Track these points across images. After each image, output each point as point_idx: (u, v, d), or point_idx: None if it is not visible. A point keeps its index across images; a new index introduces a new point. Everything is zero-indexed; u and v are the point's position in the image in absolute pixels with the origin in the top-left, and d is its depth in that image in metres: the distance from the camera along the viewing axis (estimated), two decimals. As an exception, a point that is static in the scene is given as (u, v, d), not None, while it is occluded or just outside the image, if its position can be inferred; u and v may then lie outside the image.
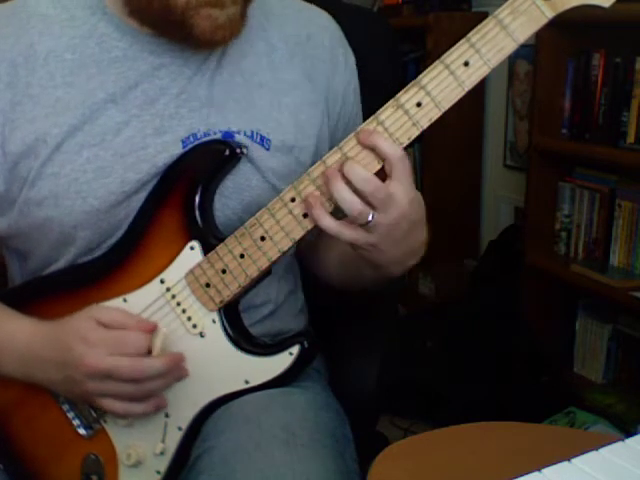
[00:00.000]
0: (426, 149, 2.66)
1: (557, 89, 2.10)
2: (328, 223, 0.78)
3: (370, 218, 0.77)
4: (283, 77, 0.92)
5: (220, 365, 0.87)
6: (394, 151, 0.76)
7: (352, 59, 1.00)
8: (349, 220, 0.78)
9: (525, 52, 2.36)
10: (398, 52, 1.65)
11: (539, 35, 2.05)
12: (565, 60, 2.08)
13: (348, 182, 0.77)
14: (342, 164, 0.77)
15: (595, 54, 2.00)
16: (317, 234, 0.98)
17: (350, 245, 0.81)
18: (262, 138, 0.90)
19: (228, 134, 0.88)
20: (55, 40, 0.86)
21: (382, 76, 1.15)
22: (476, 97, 2.61)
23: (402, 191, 0.77)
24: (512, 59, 2.47)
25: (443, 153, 2.63)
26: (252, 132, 0.89)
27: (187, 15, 0.80)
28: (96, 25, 0.87)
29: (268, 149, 0.90)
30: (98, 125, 0.85)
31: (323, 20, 0.99)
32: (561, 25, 2.05)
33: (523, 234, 2.23)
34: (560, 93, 2.11)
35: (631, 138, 1.90)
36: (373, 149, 0.77)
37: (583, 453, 0.67)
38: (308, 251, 1.02)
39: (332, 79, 0.96)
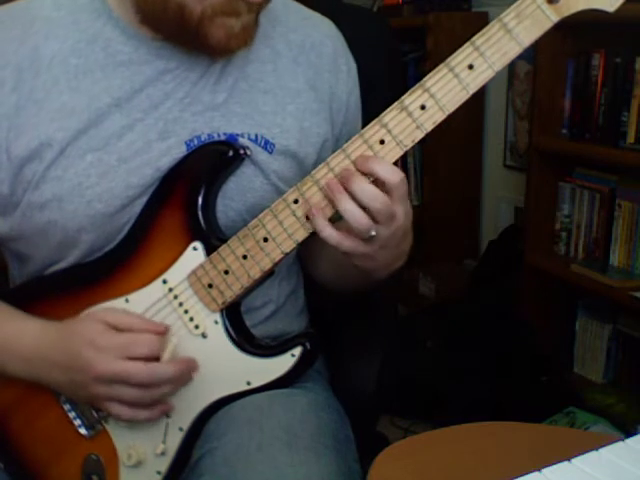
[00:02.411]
0: (426, 149, 2.66)
1: (557, 89, 2.10)
2: (329, 234, 0.78)
3: (374, 233, 0.77)
4: (287, 84, 0.92)
5: (222, 366, 0.87)
6: (393, 176, 0.76)
7: (354, 67, 1.00)
8: (350, 231, 0.78)
9: (525, 52, 2.33)
10: (398, 52, 1.66)
11: (539, 35, 2.05)
12: (565, 60, 2.08)
13: (353, 195, 0.77)
14: (347, 176, 0.77)
15: (595, 54, 2.00)
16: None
17: (344, 254, 0.81)
18: (266, 142, 0.90)
19: (232, 137, 0.88)
20: (60, 44, 0.86)
21: (382, 76, 1.15)
22: (476, 97, 2.57)
23: (402, 209, 0.78)
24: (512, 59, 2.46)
25: (443, 153, 2.63)
26: (256, 135, 0.89)
27: (202, 24, 0.80)
28: (101, 29, 0.86)
29: (271, 152, 0.90)
30: (103, 129, 0.85)
31: (326, 28, 0.99)
32: (561, 25, 2.03)
33: (523, 234, 2.23)
34: (560, 93, 2.11)
35: (631, 138, 1.90)
36: (372, 175, 0.77)
37: (583, 453, 0.67)
38: (302, 250, 1.02)
39: (335, 88, 0.96)
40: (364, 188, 0.76)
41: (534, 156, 2.15)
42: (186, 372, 0.86)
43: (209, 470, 0.82)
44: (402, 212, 0.78)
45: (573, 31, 2.02)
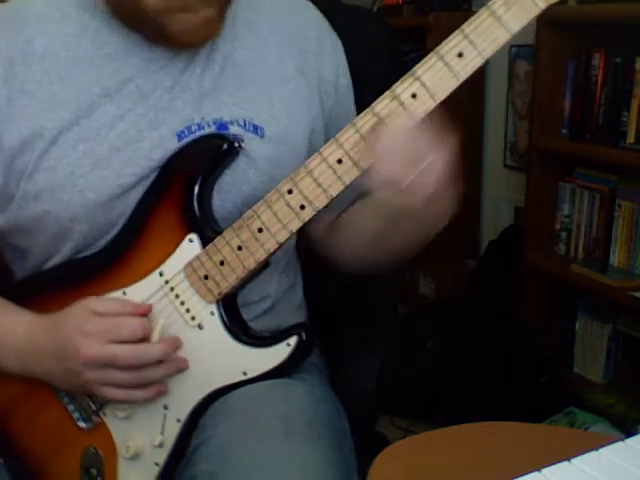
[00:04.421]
0: (426, 149, 2.66)
1: (557, 89, 2.10)
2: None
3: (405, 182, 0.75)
4: (275, 70, 0.93)
5: (218, 357, 0.88)
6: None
7: (340, 47, 1.00)
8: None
9: (525, 52, 2.36)
10: (398, 52, 1.65)
11: (539, 35, 2.06)
12: (565, 60, 2.08)
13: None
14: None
15: (595, 54, 2.00)
16: (345, 211, 0.97)
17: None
18: (255, 127, 0.90)
19: (222, 125, 0.89)
20: (50, 38, 0.87)
21: (382, 76, 1.15)
22: (476, 97, 2.61)
23: (432, 150, 0.76)
24: (512, 59, 2.47)
25: (443, 153, 2.63)
26: (245, 121, 0.90)
27: (161, 18, 0.81)
28: (88, 22, 0.88)
29: (262, 137, 0.91)
30: (94, 120, 0.86)
31: (309, 12, 0.99)
32: (561, 25, 2.05)
33: (523, 234, 2.23)
34: (560, 93, 2.11)
35: (631, 138, 1.90)
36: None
37: (583, 453, 0.67)
38: (328, 231, 0.99)
39: (322, 71, 0.96)
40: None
41: (534, 156, 2.15)
42: (173, 350, 0.87)
43: (204, 459, 0.82)
44: (437, 161, 0.76)
45: (573, 31, 2.02)
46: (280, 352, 0.86)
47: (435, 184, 0.77)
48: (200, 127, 0.88)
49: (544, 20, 2.00)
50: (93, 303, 0.86)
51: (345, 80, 1.00)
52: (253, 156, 0.90)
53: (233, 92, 0.90)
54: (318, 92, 0.96)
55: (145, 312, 0.87)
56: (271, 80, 0.92)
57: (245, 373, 0.87)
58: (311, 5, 1.00)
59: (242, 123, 0.90)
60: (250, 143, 0.90)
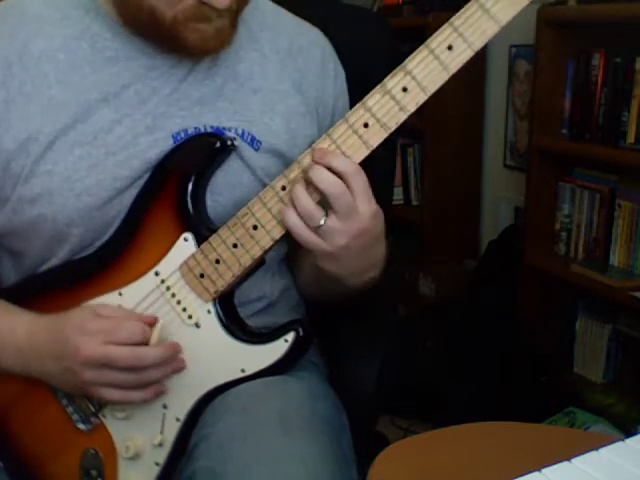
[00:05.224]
0: (426, 149, 2.66)
1: (557, 89, 2.11)
2: (294, 222, 0.80)
3: (322, 222, 0.79)
4: (275, 86, 0.94)
5: (216, 355, 0.88)
6: (347, 167, 0.78)
7: (342, 74, 1.01)
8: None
9: (525, 52, 2.36)
10: (398, 52, 1.65)
11: (539, 35, 2.05)
12: (565, 60, 2.08)
13: (311, 183, 0.79)
14: (307, 167, 0.80)
15: (595, 54, 2.00)
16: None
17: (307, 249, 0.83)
18: (252, 138, 0.91)
19: (219, 130, 0.90)
20: (48, 40, 0.87)
21: (382, 76, 1.15)
22: (476, 97, 2.61)
23: (366, 208, 0.79)
24: (512, 59, 2.47)
25: (443, 153, 2.63)
26: (243, 131, 0.90)
27: (176, 28, 0.82)
28: (89, 25, 0.88)
29: (257, 150, 0.91)
30: (90, 124, 0.86)
31: (314, 35, 1.00)
32: (561, 25, 2.05)
33: (523, 234, 2.23)
34: (560, 93, 2.11)
35: (631, 138, 1.90)
36: (329, 168, 0.79)
37: (583, 453, 0.67)
38: (289, 261, 1.03)
39: (322, 92, 0.97)
40: (321, 174, 0.78)
41: (534, 156, 2.15)
42: (172, 355, 0.87)
43: (204, 455, 0.83)
44: (366, 211, 0.79)
45: (573, 31, 2.02)
46: (278, 348, 0.86)
47: (356, 231, 0.79)
48: (197, 130, 0.89)
49: (544, 20, 2.00)
50: (97, 306, 0.87)
51: (343, 105, 1.00)
52: (247, 162, 0.91)
53: (233, 103, 0.91)
54: (316, 111, 0.97)
55: (149, 322, 0.87)
56: (271, 94, 0.93)
57: (243, 370, 0.87)
58: (317, 29, 1.01)
59: (240, 132, 0.90)
60: (245, 151, 0.90)
